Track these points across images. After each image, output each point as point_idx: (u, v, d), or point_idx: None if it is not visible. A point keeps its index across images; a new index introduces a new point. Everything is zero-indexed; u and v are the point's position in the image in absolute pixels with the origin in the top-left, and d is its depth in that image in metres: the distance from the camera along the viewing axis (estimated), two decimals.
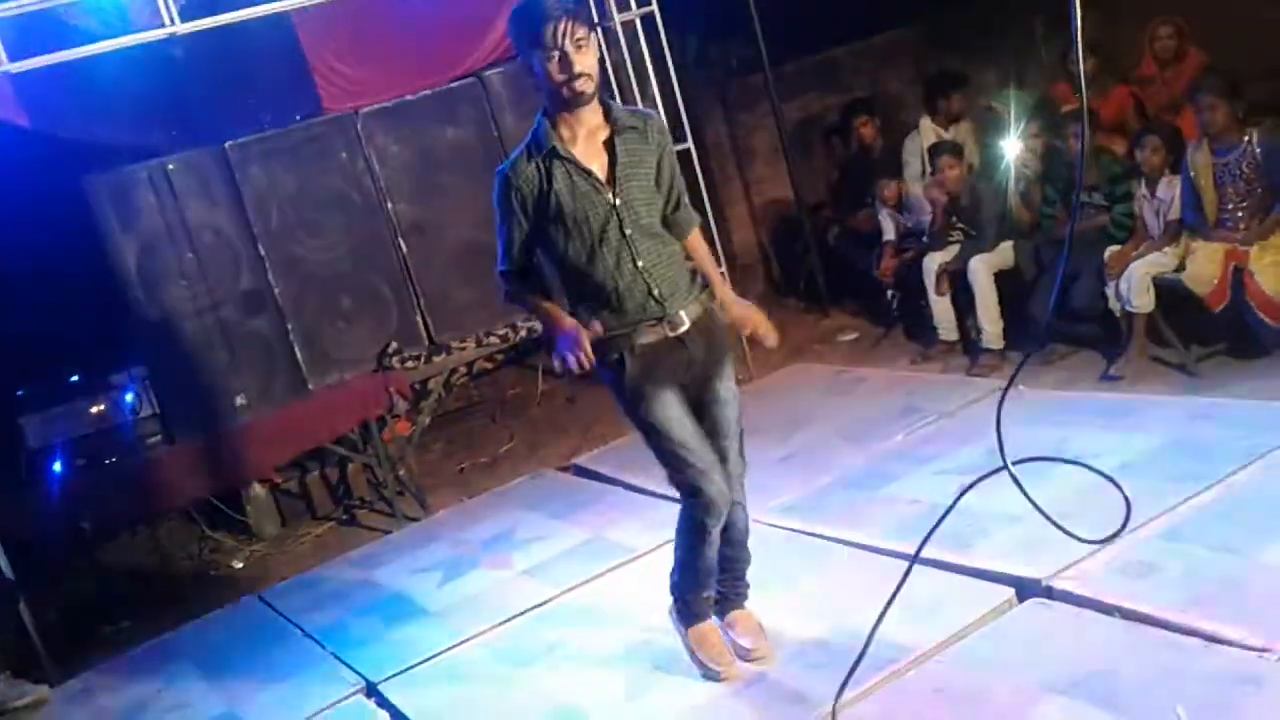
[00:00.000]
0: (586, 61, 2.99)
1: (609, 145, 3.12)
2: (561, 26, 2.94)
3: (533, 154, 3.10)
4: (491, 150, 6.17)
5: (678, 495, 3.29)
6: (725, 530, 3.36)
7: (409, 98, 6.12)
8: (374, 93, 6.08)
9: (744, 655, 3.43)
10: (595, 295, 3.13)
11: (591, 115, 3.10)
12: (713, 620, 3.48)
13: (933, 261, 6.10)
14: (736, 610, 3.52)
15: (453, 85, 6.23)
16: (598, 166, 3.11)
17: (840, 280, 7.42)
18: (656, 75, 6.39)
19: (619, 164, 3.11)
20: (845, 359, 6.60)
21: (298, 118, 6.01)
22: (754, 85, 8.06)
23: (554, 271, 3.22)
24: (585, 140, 3.11)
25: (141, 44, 5.19)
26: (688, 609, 3.46)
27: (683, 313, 3.16)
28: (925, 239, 6.39)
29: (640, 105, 6.38)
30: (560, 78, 2.98)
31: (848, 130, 7.43)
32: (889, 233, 6.69)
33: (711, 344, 3.24)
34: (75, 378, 5.70)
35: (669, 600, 3.54)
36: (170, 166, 5.63)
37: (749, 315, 3.37)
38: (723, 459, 3.27)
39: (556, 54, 2.96)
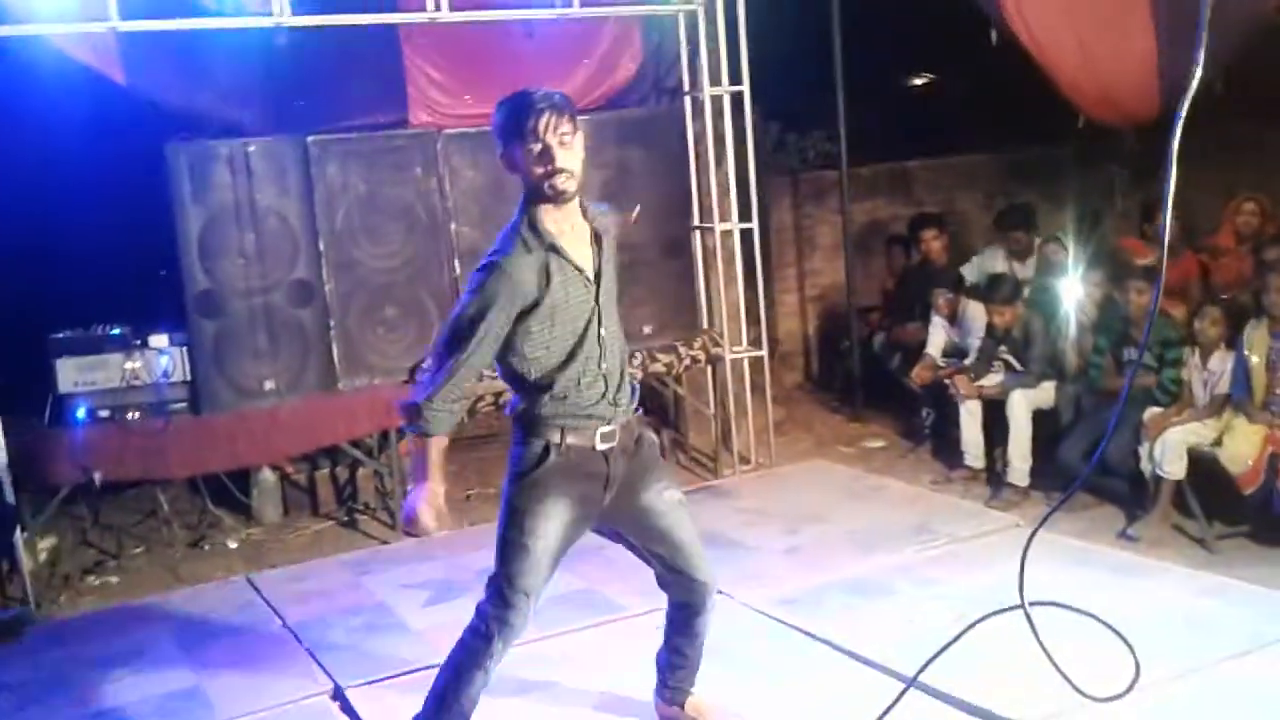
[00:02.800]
0: (570, 158, 2.89)
1: (595, 241, 3.03)
2: (546, 119, 2.84)
3: (531, 245, 2.93)
4: None
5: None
6: (691, 634, 3.32)
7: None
8: (461, 116, 6.20)
9: None
10: (558, 392, 2.98)
11: (572, 212, 2.99)
12: None
13: (963, 383, 6.12)
14: (693, 697, 3.47)
15: None
16: (586, 263, 3.01)
17: (877, 387, 7.44)
18: (735, 153, 6.49)
19: (603, 262, 3.04)
20: (868, 465, 6.59)
21: (381, 125, 6.14)
22: (826, 180, 8.17)
23: (520, 366, 3.00)
24: (571, 236, 2.99)
25: (248, 28, 5.35)
26: None
27: (616, 424, 3.04)
28: (967, 361, 6.40)
29: (713, 180, 6.49)
30: (540, 171, 2.87)
31: (914, 240, 7.50)
32: (933, 345, 6.70)
33: (639, 456, 3.13)
34: (116, 331, 5.78)
35: None
36: (251, 148, 5.75)
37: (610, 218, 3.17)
38: (696, 567, 3.19)
39: (538, 146, 2.84)
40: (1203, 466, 5.07)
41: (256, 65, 5.81)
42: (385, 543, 5.76)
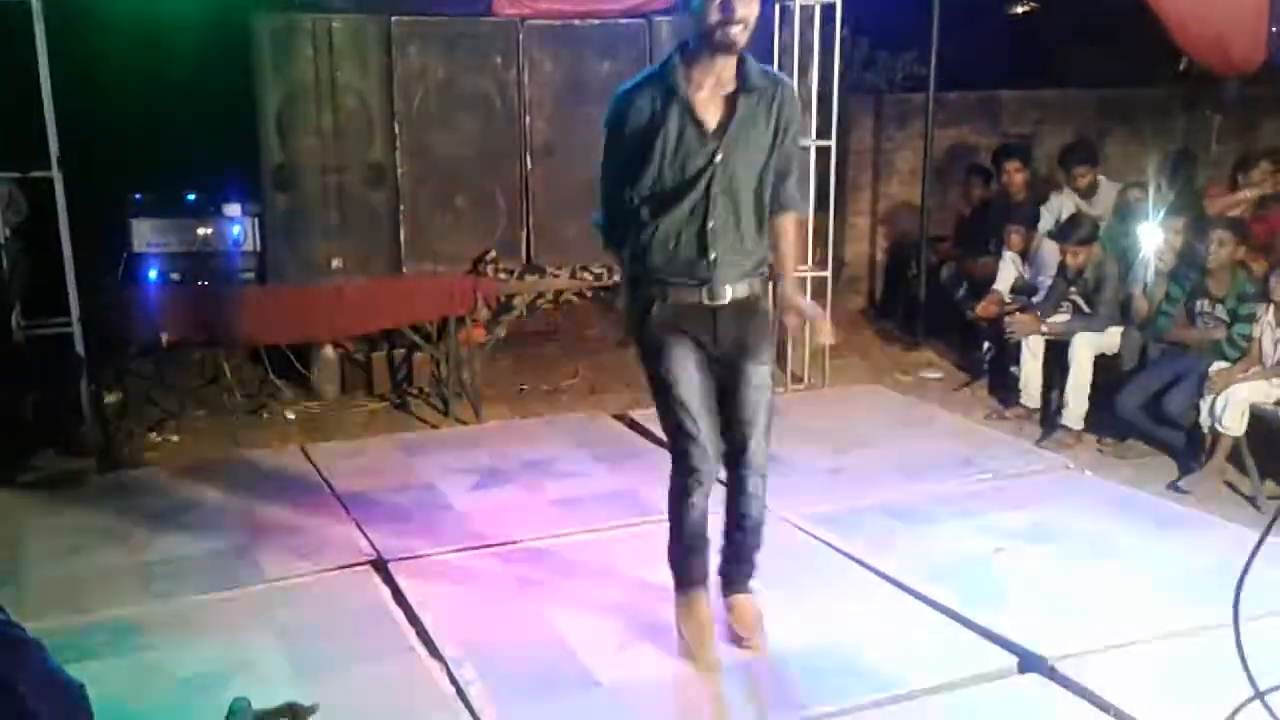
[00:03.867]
0: (747, 9, 2.98)
1: (731, 100, 3.09)
2: None
3: (653, 86, 3.08)
4: None
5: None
6: (736, 515, 3.38)
7: (576, 23, 6.16)
8: (545, 7, 6.13)
9: (735, 642, 3.45)
10: (657, 236, 3.12)
11: (726, 66, 3.07)
12: (705, 596, 3.42)
13: (1026, 320, 6.01)
14: (738, 595, 3.52)
15: (620, 21, 6.25)
16: (711, 118, 3.08)
17: (940, 318, 7.34)
18: (821, 66, 6.35)
19: (734, 122, 3.08)
20: (922, 394, 6.55)
21: (465, 12, 6.09)
22: (913, 104, 7.97)
23: (632, 202, 3.17)
24: (711, 89, 3.08)
25: None
26: (676, 571, 3.43)
27: (727, 286, 3.14)
28: (1035, 299, 6.29)
29: (797, 91, 6.35)
30: (716, 18, 2.97)
31: (996, 171, 7.32)
32: (1002, 281, 6.57)
33: (748, 326, 3.21)
34: (192, 197, 5.88)
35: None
36: (335, 23, 5.75)
37: (801, 306, 3.32)
38: (742, 446, 3.26)
39: None
40: (1263, 425, 4.96)
41: None
42: (436, 427, 5.88)
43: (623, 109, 3.10)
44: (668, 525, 3.38)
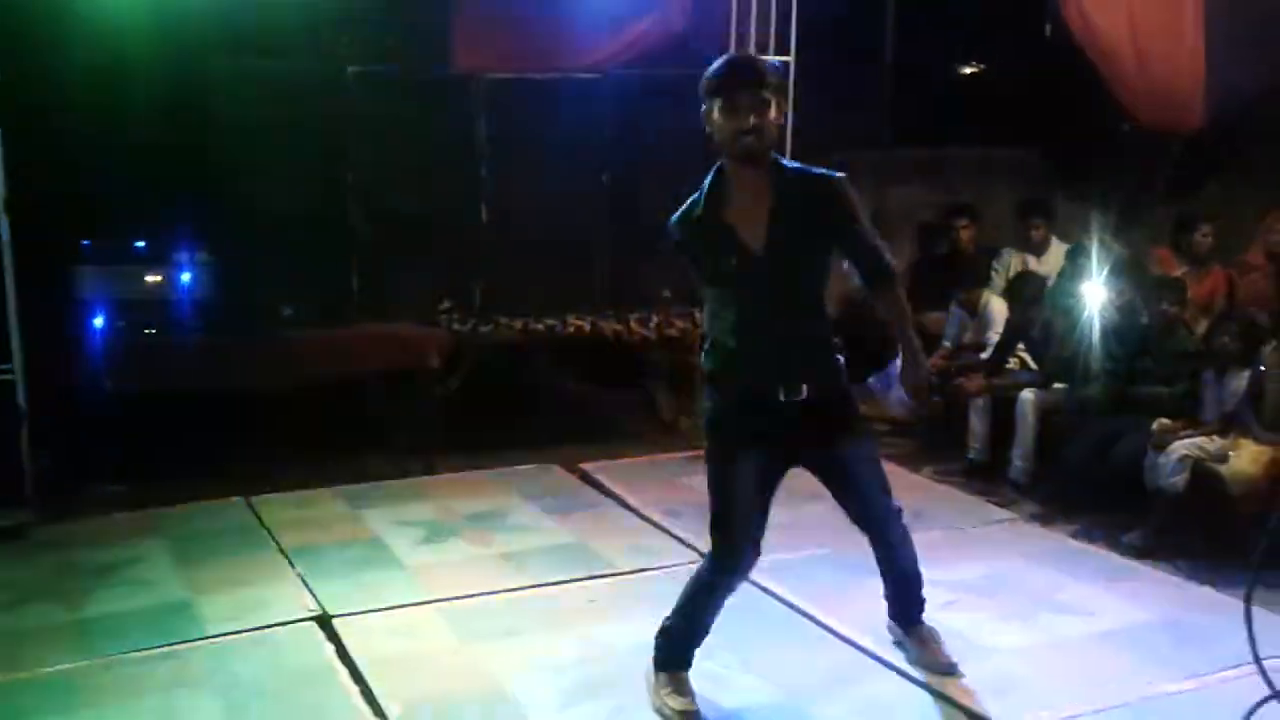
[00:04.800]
0: (760, 117, 3.00)
1: (770, 209, 3.11)
2: (740, 78, 3.02)
3: (694, 207, 3.16)
4: (593, 147, 6.25)
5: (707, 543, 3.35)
6: (891, 564, 3.57)
7: (535, 76, 6.21)
8: (505, 63, 6.18)
9: (944, 667, 3.60)
10: (721, 343, 3.20)
11: (761, 174, 3.11)
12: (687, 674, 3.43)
13: (967, 381, 6.09)
14: (920, 626, 3.71)
15: (580, 76, 6.31)
16: (752, 229, 3.11)
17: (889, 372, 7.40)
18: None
19: (776, 230, 3.11)
20: None
21: (424, 66, 6.13)
22: (865, 161, 8.09)
23: (703, 312, 3.33)
24: (752, 200, 3.11)
25: None
26: (667, 649, 3.43)
27: (804, 385, 3.17)
28: (983, 355, 6.36)
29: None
30: (728, 129, 3.01)
31: (945, 230, 7.43)
32: (949, 336, 6.66)
33: (829, 416, 3.25)
34: (141, 244, 5.82)
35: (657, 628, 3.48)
36: (290, 72, 5.77)
37: (917, 386, 3.44)
38: (872, 521, 3.44)
39: (728, 105, 3.00)
40: (1206, 482, 5.03)
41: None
42: (386, 479, 5.81)
43: (676, 237, 3.21)
44: (679, 603, 3.42)
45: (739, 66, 3.12)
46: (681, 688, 3.39)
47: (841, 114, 8.60)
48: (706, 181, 3.18)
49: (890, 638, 3.83)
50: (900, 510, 3.51)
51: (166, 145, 5.77)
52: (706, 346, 3.27)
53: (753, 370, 3.17)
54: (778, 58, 6.36)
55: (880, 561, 3.60)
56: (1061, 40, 6.40)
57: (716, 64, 3.12)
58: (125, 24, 5.60)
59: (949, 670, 3.60)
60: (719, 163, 3.17)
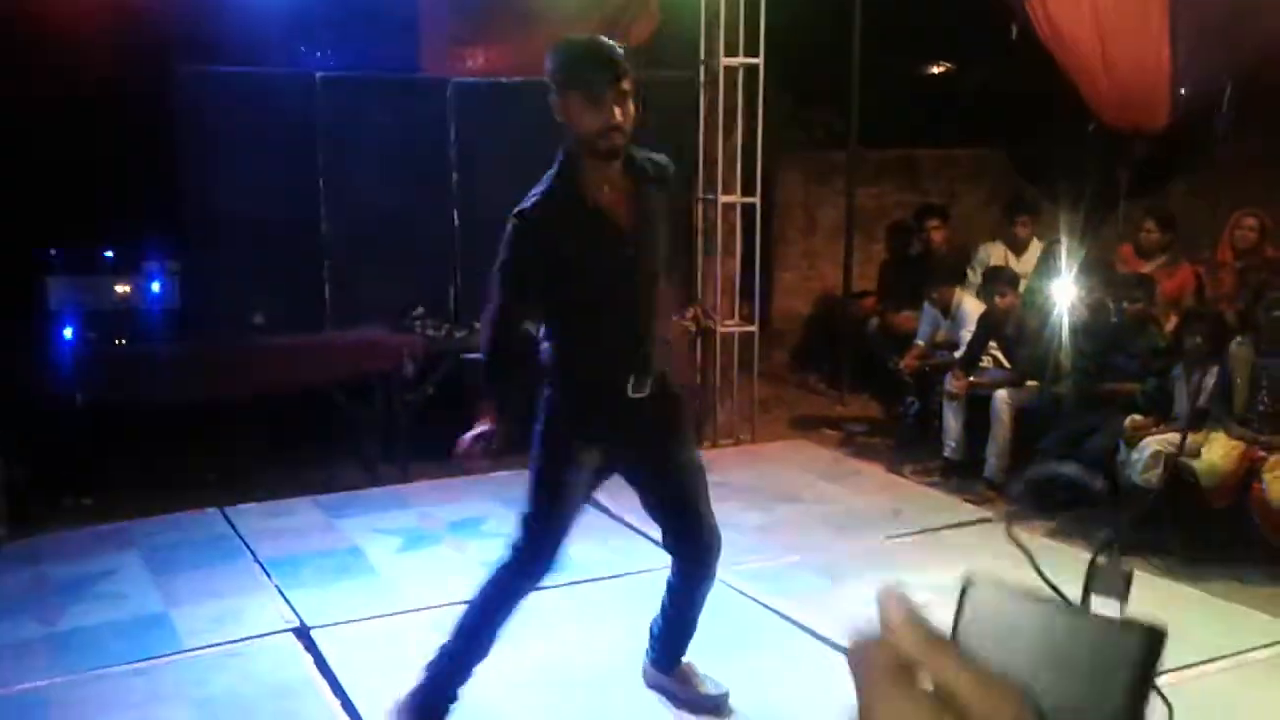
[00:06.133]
0: (625, 113, 2.87)
1: (633, 195, 3.02)
2: (606, 71, 2.84)
3: (556, 198, 2.95)
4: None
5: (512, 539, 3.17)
6: (692, 600, 3.34)
7: (503, 79, 6.20)
8: (473, 64, 6.16)
9: (713, 702, 3.42)
10: (587, 348, 3.04)
11: (615, 165, 2.97)
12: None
13: (952, 380, 6.12)
14: (684, 666, 3.51)
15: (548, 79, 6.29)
16: (620, 217, 2.99)
17: (865, 372, 7.45)
18: (744, 126, 6.46)
19: (640, 216, 3.02)
20: (849, 448, 6.62)
21: (392, 70, 6.10)
22: (835, 161, 8.13)
23: (550, 316, 3.07)
24: (610, 188, 2.99)
25: None
26: (443, 680, 3.20)
27: (648, 379, 3.06)
28: (956, 353, 6.41)
29: (720, 151, 6.46)
30: (597, 126, 2.84)
31: (917, 230, 7.48)
32: (923, 335, 6.71)
33: (668, 414, 3.16)
34: (110, 254, 5.76)
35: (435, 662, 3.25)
36: (259, 79, 5.72)
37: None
38: (693, 532, 3.21)
39: (593, 98, 2.82)
40: (1178, 477, 5.08)
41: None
42: (361, 487, 5.78)
43: (525, 229, 2.94)
44: (465, 624, 3.23)
45: (603, 58, 2.87)
46: None
47: (810, 115, 8.66)
48: (554, 171, 2.98)
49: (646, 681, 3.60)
50: (719, 541, 3.26)
51: (134, 152, 5.70)
52: (548, 348, 3.06)
53: (605, 363, 3.04)
54: (746, 59, 6.38)
55: (674, 593, 3.35)
56: (1028, 41, 6.45)
57: (570, 49, 2.94)
58: (90, 29, 5.54)
59: (717, 707, 3.40)
60: (565, 149, 2.98)
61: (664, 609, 3.44)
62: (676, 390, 3.23)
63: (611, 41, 2.96)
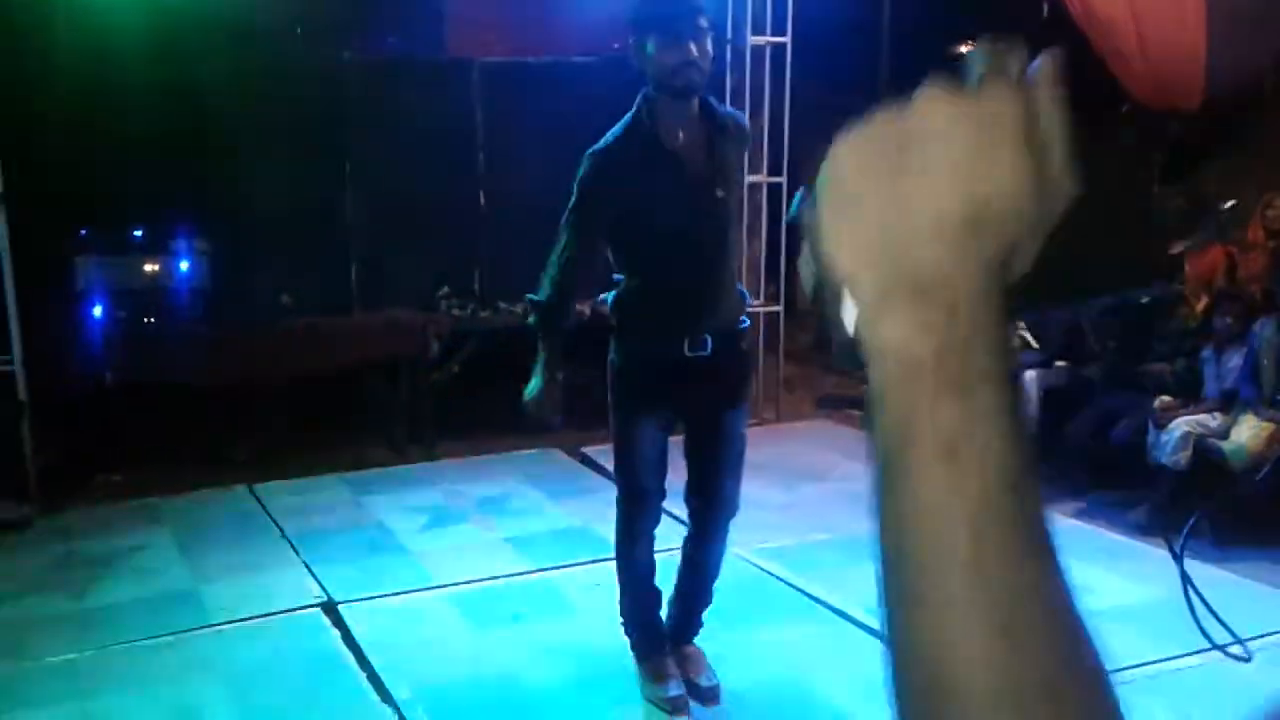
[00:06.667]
0: (702, 51, 2.92)
1: (708, 141, 3.03)
2: (684, 11, 2.91)
3: (632, 140, 2.99)
4: (590, 131, 6.22)
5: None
6: (693, 565, 3.34)
7: (530, 60, 6.19)
8: (498, 45, 6.16)
9: (697, 693, 3.39)
10: (652, 296, 3.04)
11: (692, 108, 3.01)
12: (663, 656, 3.38)
13: None
14: (687, 646, 3.48)
15: (574, 59, 6.29)
16: (696, 161, 3.01)
17: None
18: (771, 105, 6.43)
19: (717, 162, 3.03)
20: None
21: (418, 51, 6.11)
22: None
23: (616, 260, 3.12)
24: (685, 133, 3.01)
25: None
26: (637, 637, 3.39)
27: (709, 338, 3.06)
28: None
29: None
30: (673, 63, 2.89)
31: None
32: None
33: (732, 374, 3.18)
34: (139, 233, 5.81)
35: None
36: (286, 59, 5.74)
37: None
38: (712, 495, 3.23)
39: (669, 37, 2.89)
40: (1207, 458, 5.04)
41: None
42: (389, 465, 5.81)
43: (602, 168, 2.98)
44: (620, 583, 3.34)
45: None
46: (662, 673, 3.34)
47: (838, 93, 8.58)
48: (633, 115, 3.02)
49: None
50: (736, 511, 3.30)
51: (163, 134, 5.74)
52: (618, 297, 3.10)
53: (670, 313, 3.04)
54: (774, 38, 6.34)
55: (686, 559, 3.37)
56: (1059, 20, 6.38)
57: None
58: (120, 13, 5.57)
59: (710, 696, 3.37)
60: (643, 93, 3.02)
61: (677, 573, 3.44)
62: (743, 351, 3.25)
63: None
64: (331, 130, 5.85)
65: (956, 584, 0.46)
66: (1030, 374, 5.84)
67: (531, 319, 3.16)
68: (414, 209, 6.03)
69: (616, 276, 3.13)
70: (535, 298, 3.11)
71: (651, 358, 3.08)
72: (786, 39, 6.36)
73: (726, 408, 3.20)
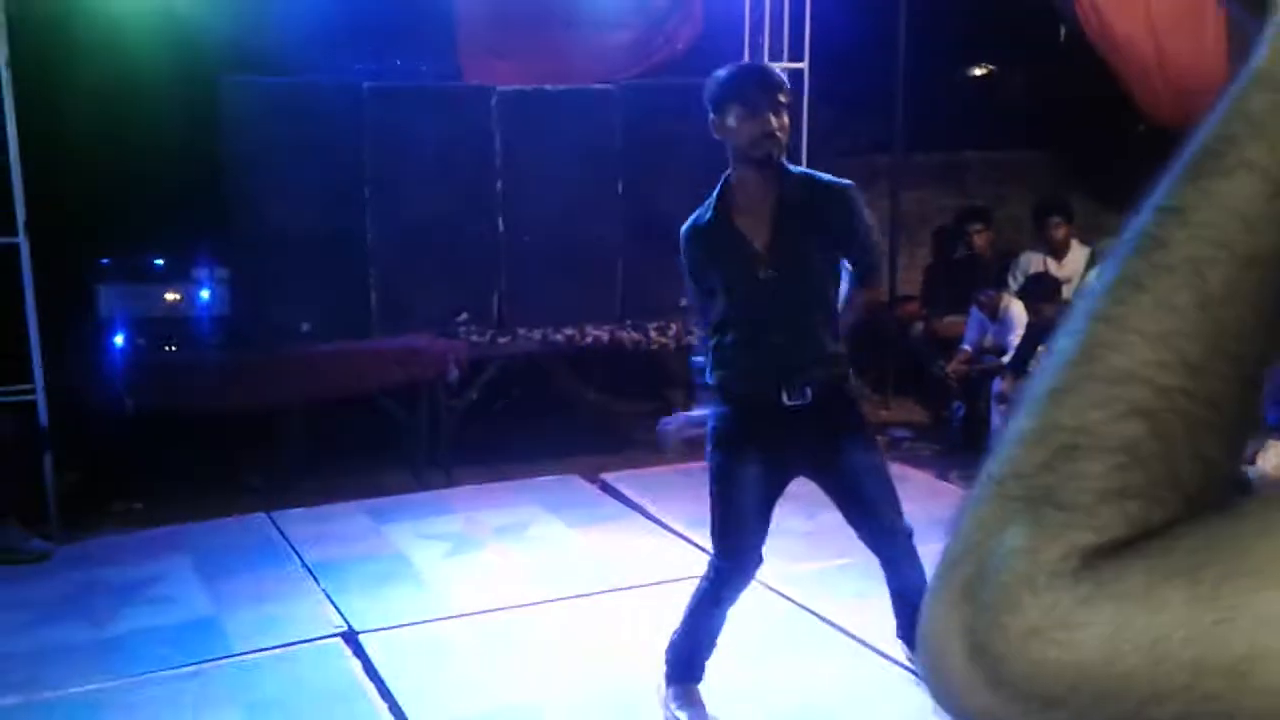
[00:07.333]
0: (780, 123, 3.00)
1: (780, 215, 3.11)
2: (764, 84, 3.02)
3: (703, 215, 3.18)
4: (607, 158, 6.25)
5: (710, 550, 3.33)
6: (903, 598, 3.39)
7: (548, 88, 6.21)
8: (516, 73, 6.19)
9: None
10: (726, 352, 3.18)
11: (771, 179, 3.10)
12: (698, 687, 3.41)
13: (1004, 383, 6.05)
14: None
15: (591, 86, 6.32)
16: (758, 235, 3.11)
17: (910, 379, 7.38)
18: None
19: (782, 235, 3.11)
20: (894, 454, 6.55)
21: (434, 78, 6.13)
22: (877, 166, 8.07)
23: (709, 331, 3.29)
24: (758, 205, 3.11)
25: None
26: (679, 666, 3.40)
27: (808, 388, 3.14)
28: (1006, 359, 6.34)
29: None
30: (750, 133, 2.99)
31: (960, 234, 7.41)
32: (969, 339, 6.64)
33: (834, 422, 3.21)
34: (160, 262, 5.83)
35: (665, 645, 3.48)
36: (306, 87, 5.77)
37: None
38: (874, 531, 3.31)
39: (750, 109, 2.98)
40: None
41: (315, 10, 5.81)
42: (407, 492, 5.80)
43: (685, 242, 3.22)
44: (684, 616, 3.37)
45: (758, 71, 3.17)
46: (691, 699, 3.36)
47: (855, 119, 8.60)
48: (715, 191, 3.19)
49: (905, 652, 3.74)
50: (911, 533, 3.35)
51: (183, 163, 5.78)
52: (710, 358, 3.24)
53: (758, 375, 3.15)
54: (791, 64, 6.35)
55: (891, 587, 3.46)
56: (1075, 41, 6.38)
57: (729, 71, 3.13)
58: (140, 43, 5.62)
59: None
60: (726, 173, 3.17)
61: (890, 590, 3.47)
62: (849, 394, 3.30)
63: (763, 64, 3.29)
64: (351, 157, 5.86)
65: (1219, 281, 0.49)
66: None
67: (696, 376, 3.40)
68: (433, 236, 6.04)
69: (710, 341, 3.25)
70: (694, 358, 3.44)
71: (752, 408, 3.17)
72: (804, 65, 6.37)
73: (840, 452, 3.23)
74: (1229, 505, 0.49)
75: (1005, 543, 0.50)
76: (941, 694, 0.51)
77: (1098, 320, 0.52)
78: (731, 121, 3.03)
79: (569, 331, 6.19)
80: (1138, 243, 0.52)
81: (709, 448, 3.24)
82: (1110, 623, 0.46)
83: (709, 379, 3.26)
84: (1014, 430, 0.53)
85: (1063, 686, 0.47)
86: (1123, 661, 0.46)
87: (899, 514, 3.33)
